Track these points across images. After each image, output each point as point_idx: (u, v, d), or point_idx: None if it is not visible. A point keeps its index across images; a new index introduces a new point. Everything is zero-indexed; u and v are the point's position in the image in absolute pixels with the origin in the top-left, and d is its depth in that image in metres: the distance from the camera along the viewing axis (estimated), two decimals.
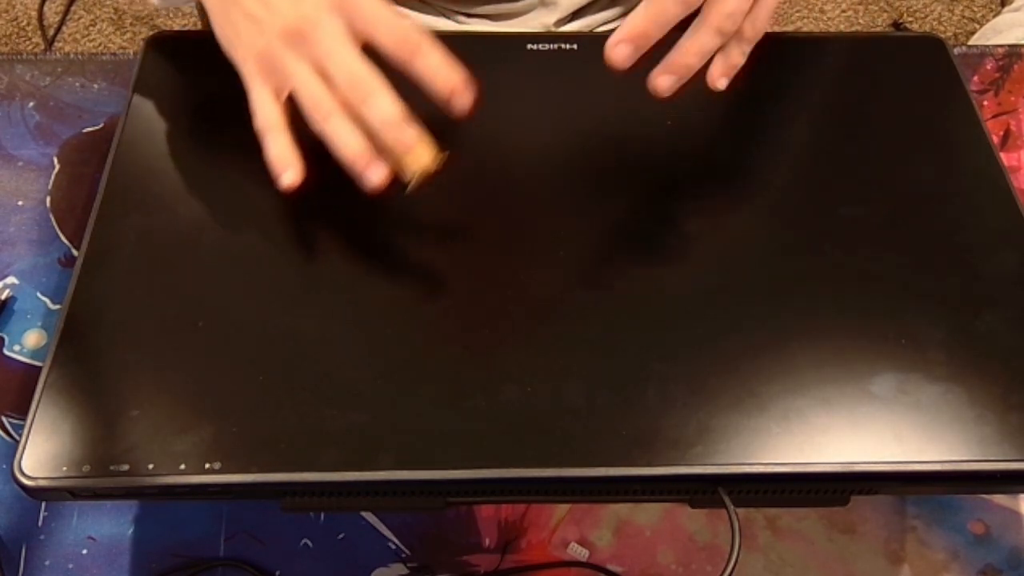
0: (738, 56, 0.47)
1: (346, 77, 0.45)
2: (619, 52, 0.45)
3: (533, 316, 0.45)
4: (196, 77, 0.55)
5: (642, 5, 0.45)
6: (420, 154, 0.44)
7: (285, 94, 0.46)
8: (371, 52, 0.46)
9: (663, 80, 0.46)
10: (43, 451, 0.40)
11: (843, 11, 1.65)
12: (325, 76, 0.45)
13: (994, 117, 0.66)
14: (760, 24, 0.47)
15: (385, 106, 0.44)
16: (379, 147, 0.45)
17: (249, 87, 0.47)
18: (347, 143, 0.45)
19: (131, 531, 0.50)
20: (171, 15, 1.60)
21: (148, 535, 0.50)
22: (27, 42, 1.60)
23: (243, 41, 0.47)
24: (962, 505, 0.51)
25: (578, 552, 0.50)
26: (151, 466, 0.40)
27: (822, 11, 1.65)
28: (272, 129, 0.46)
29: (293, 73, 0.45)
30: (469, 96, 0.45)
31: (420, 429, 0.41)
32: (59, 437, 0.41)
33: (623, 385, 0.43)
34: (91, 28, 1.62)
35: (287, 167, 0.45)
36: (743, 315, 0.45)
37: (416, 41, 0.45)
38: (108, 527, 0.50)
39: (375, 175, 0.44)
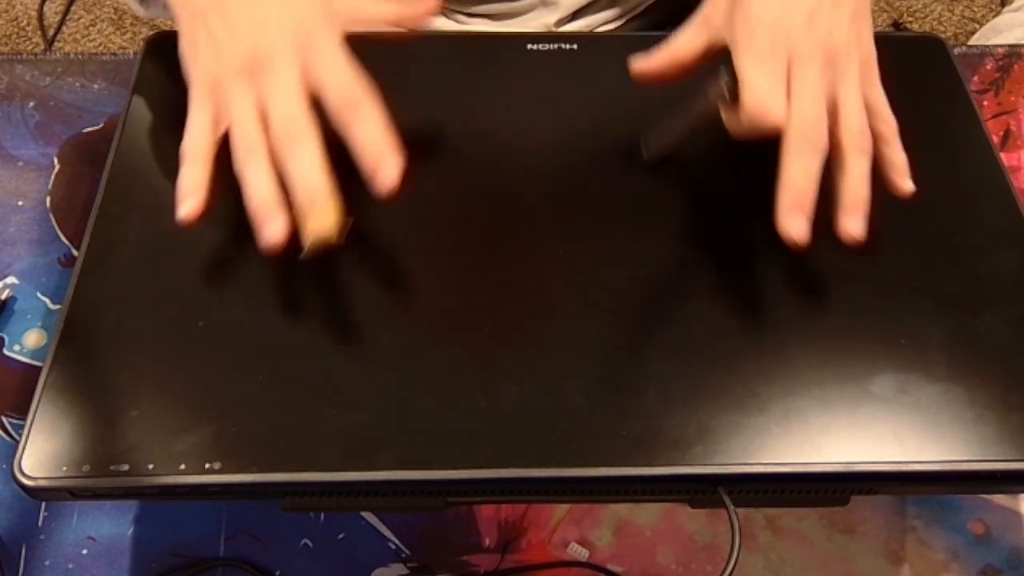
0: (897, 154, 0.46)
1: (282, 120, 0.43)
2: (798, 229, 0.43)
3: (533, 316, 0.45)
4: None
5: (784, 175, 0.43)
6: (325, 216, 0.42)
7: (223, 127, 0.45)
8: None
9: (854, 224, 0.44)
10: (43, 451, 0.40)
11: None
12: (264, 116, 0.44)
13: (994, 117, 0.66)
14: (887, 115, 0.46)
15: (308, 156, 0.42)
16: (289, 202, 0.43)
17: (191, 108, 0.46)
18: (258, 189, 0.43)
19: (131, 531, 0.50)
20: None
21: (148, 535, 0.50)
22: (27, 42, 1.60)
23: (200, 63, 0.46)
24: (962, 505, 0.51)
25: (578, 552, 0.50)
26: (151, 466, 0.40)
27: None
28: (193, 156, 0.44)
29: (234, 105, 0.44)
30: (392, 178, 0.42)
31: (420, 429, 0.41)
32: (59, 437, 0.41)
33: (623, 385, 0.43)
34: (91, 28, 1.62)
35: (188, 197, 0.43)
36: (743, 315, 0.45)
37: (360, 107, 0.43)
38: (108, 527, 0.50)
39: (273, 230, 0.42)
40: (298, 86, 0.44)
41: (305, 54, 0.44)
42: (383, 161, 0.43)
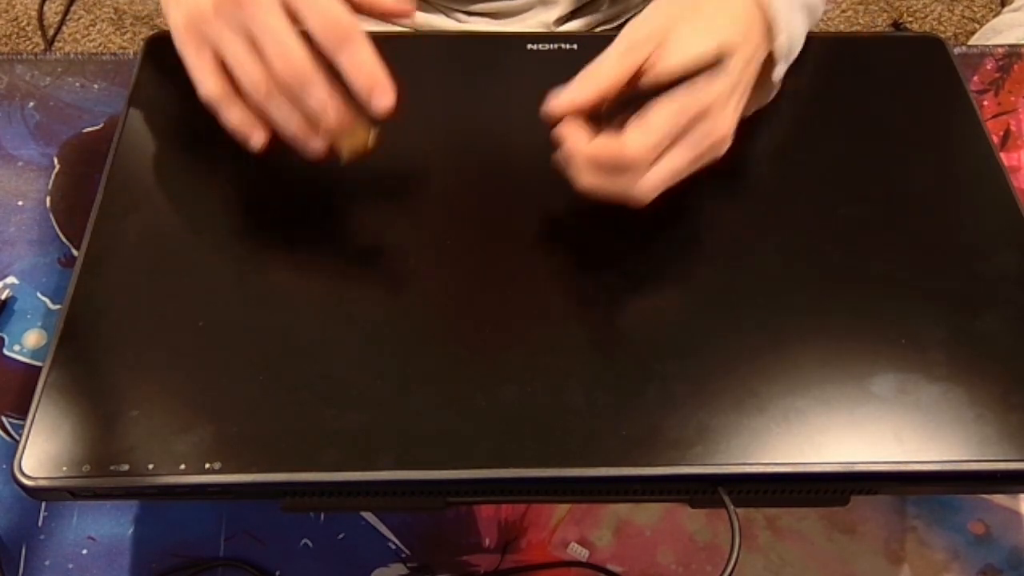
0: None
1: (280, 58, 0.43)
2: (561, 107, 0.45)
3: (533, 316, 0.45)
4: None
5: (609, 139, 0.44)
6: (355, 135, 0.46)
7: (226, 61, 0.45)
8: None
9: (379, 98, 0.44)
10: (43, 451, 0.40)
11: (843, 11, 1.65)
12: (256, 49, 0.44)
13: (994, 117, 0.66)
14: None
15: (321, 95, 0.44)
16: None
17: (184, 56, 0.46)
18: (288, 122, 0.45)
19: (131, 531, 0.50)
20: None
21: (148, 535, 0.50)
22: (27, 42, 1.60)
23: (179, 3, 0.46)
24: (962, 505, 0.51)
25: (578, 552, 0.50)
26: (151, 466, 0.40)
27: None
28: (222, 99, 0.45)
29: (225, 46, 0.44)
30: (389, 97, 0.43)
31: (420, 429, 0.41)
32: (59, 437, 0.41)
33: (623, 385, 0.42)
34: (91, 28, 1.62)
35: (251, 130, 0.45)
36: (743, 315, 0.45)
37: (346, 32, 0.43)
38: (108, 527, 0.50)
39: (314, 148, 0.46)
40: (282, 15, 0.44)
41: None
42: (376, 83, 0.43)
